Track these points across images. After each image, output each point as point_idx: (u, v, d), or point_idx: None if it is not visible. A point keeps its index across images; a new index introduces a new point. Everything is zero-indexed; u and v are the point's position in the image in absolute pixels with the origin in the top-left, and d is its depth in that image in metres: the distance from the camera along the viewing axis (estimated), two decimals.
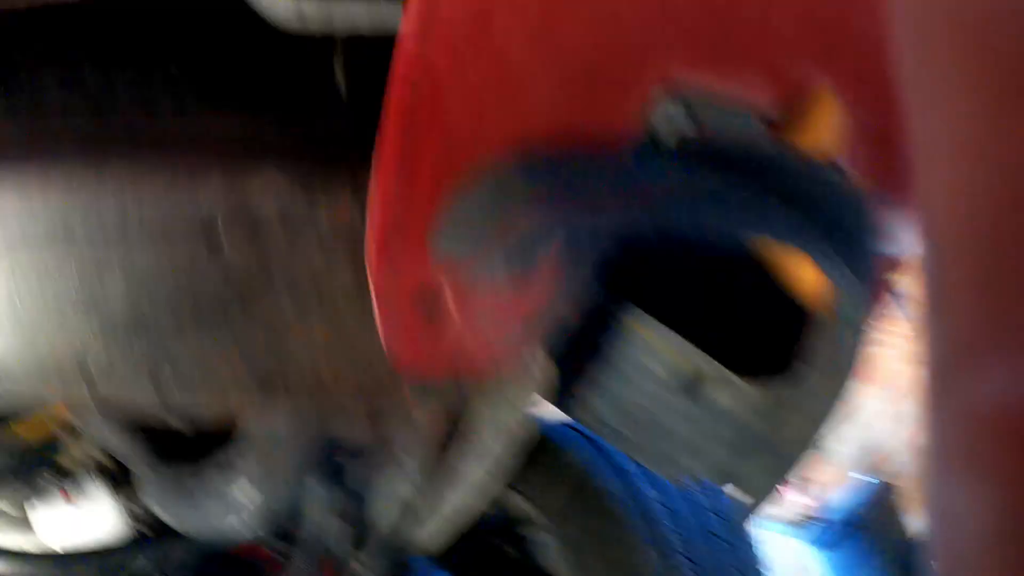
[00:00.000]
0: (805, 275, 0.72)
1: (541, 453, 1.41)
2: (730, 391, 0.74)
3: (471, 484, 0.84)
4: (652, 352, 0.75)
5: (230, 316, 0.53)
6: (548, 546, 1.53)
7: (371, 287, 0.33)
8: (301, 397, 0.65)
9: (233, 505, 0.88)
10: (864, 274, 0.63)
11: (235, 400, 0.71)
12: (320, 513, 0.97)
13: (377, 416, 0.77)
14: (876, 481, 2.71)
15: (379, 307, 0.33)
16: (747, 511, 0.88)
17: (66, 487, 0.95)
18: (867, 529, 2.51)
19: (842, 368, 0.75)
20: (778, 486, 0.86)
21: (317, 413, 0.81)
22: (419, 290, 0.32)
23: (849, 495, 2.68)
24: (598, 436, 0.90)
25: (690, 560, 1.14)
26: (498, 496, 1.52)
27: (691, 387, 0.75)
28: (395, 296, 0.33)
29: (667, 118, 0.41)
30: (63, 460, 1.00)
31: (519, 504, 1.48)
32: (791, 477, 0.86)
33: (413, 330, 0.35)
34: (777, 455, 0.83)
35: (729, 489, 0.88)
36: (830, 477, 2.78)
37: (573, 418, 0.88)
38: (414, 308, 0.33)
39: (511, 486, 1.48)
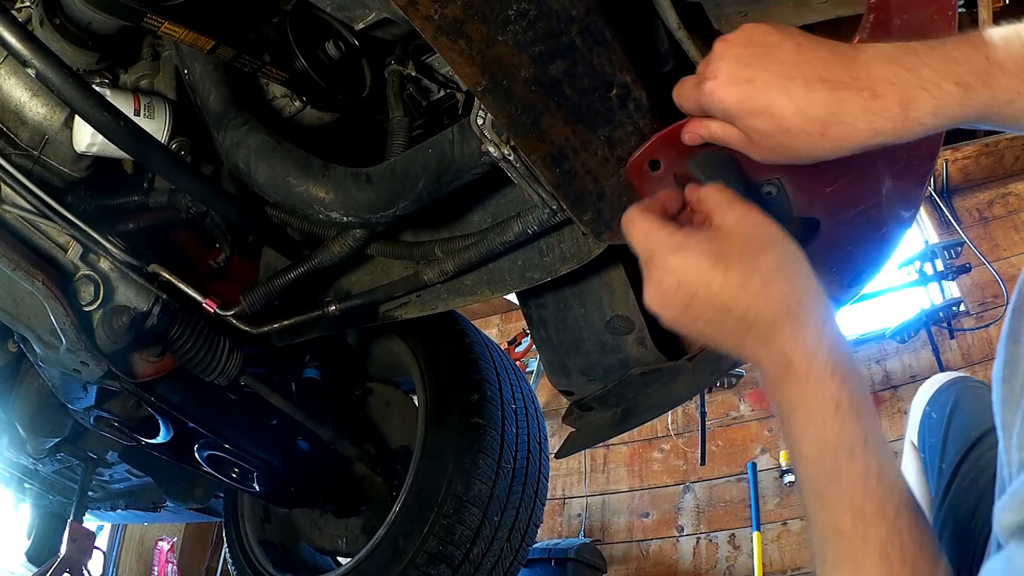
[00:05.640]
0: None
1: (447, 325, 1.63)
2: (640, 347, 1.03)
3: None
4: (613, 295, 1.03)
5: None
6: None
7: None
8: None
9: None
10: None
11: None
12: None
13: None
14: None
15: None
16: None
17: (141, 97, 1.11)
18: None
19: (698, 383, 1.05)
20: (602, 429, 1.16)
21: None
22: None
23: None
24: (529, 321, 1.17)
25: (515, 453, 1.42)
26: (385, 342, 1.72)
27: (618, 327, 1.03)
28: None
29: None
30: (150, 81, 1.17)
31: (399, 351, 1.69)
32: (625, 429, 1.16)
33: None
34: (629, 409, 1.12)
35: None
36: None
37: (528, 301, 1.14)
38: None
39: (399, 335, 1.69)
